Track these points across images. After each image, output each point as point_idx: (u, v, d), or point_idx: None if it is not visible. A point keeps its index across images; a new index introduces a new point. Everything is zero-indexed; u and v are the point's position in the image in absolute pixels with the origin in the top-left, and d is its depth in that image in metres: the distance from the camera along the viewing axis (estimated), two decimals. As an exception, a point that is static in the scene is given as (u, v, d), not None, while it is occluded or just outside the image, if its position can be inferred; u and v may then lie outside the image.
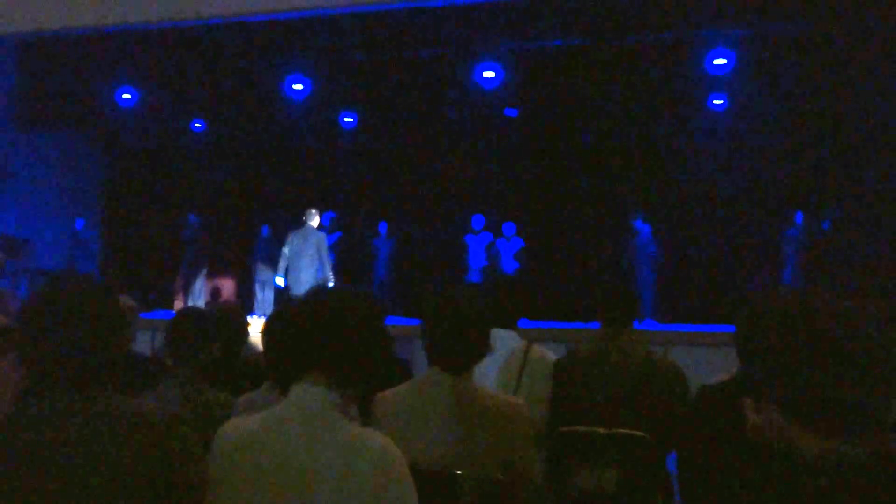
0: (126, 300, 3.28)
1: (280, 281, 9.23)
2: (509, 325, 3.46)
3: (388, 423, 2.25)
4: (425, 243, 12.03)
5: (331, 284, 8.70)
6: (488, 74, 10.13)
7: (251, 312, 10.54)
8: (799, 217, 10.16)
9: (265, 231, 11.61)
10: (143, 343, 7.84)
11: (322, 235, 9.25)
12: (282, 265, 9.13)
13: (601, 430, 2.98)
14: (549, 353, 3.43)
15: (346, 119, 12.29)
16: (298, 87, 10.86)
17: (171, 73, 11.00)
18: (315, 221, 9.21)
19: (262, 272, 11.30)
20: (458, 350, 2.35)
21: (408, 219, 11.92)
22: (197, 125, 12.55)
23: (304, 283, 8.77)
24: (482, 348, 2.40)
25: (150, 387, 2.48)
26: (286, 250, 9.10)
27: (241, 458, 1.63)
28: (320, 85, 10.93)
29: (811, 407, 1.38)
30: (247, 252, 11.88)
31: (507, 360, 3.31)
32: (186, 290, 11.10)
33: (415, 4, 8.24)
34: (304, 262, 8.95)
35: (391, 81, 10.90)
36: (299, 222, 9.23)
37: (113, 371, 1.65)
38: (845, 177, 9.68)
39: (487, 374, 3.24)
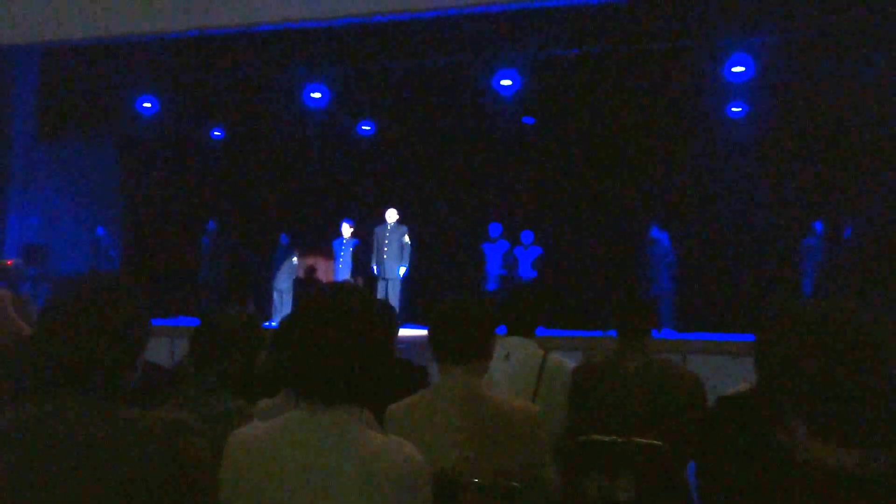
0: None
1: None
2: (527, 333, 3.45)
3: (401, 434, 2.25)
4: (442, 251, 12.04)
5: (403, 271, 10.05)
6: (506, 82, 10.12)
7: (269, 320, 10.59)
8: (818, 226, 10.08)
9: (283, 239, 11.65)
10: (162, 350, 7.93)
11: (405, 229, 10.22)
12: (373, 257, 10.24)
13: (618, 440, 2.96)
14: (566, 362, 3.41)
15: (364, 127, 12.34)
16: (317, 95, 10.92)
17: (191, 82, 11.10)
18: (394, 217, 10.21)
19: (281, 280, 11.34)
20: (458, 341, 2.36)
21: (425, 226, 11.94)
22: (216, 133, 12.67)
23: (389, 270, 10.03)
24: (485, 343, 2.41)
25: (171, 394, 2.49)
26: (375, 243, 10.25)
27: (254, 463, 1.58)
28: (339, 93, 10.98)
29: (832, 418, 1.37)
30: (265, 259, 11.93)
31: (524, 368, 3.31)
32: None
33: (432, 13, 8.26)
34: (391, 251, 10.10)
35: (409, 90, 10.94)
36: (382, 219, 10.25)
37: (129, 376, 1.58)
38: (865, 185, 9.60)
39: (504, 382, 3.23)
